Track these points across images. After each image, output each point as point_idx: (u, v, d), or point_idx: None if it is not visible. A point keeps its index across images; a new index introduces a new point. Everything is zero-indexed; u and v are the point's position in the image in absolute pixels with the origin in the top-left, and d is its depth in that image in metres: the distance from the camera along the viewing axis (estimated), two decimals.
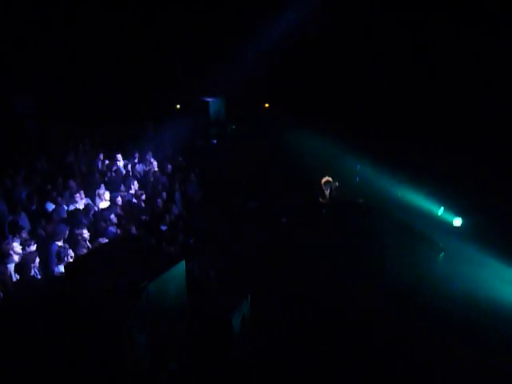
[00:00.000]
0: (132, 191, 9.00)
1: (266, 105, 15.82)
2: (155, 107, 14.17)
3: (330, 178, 9.74)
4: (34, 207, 7.68)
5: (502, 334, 6.20)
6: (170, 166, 10.89)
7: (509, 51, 9.90)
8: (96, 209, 8.03)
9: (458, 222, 9.03)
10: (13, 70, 12.24)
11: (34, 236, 6.70)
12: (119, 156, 10.70)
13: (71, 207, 7.81)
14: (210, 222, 8.51)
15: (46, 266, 6.02)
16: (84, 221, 7.23)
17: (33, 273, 5.49)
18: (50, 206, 7.80)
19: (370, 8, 12.38)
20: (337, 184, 9.83)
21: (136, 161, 11.05)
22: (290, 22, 13.65)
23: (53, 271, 5.91)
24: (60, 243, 6.32)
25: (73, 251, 6.29)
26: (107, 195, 8.56)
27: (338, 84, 13.04)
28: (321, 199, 9.80)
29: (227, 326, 5.13)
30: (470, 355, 5.78)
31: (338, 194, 9.89)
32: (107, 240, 6.58)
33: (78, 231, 6.67)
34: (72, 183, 8.61)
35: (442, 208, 9.44)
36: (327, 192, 9.74)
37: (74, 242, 6.55)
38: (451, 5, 10.91)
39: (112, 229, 7.25)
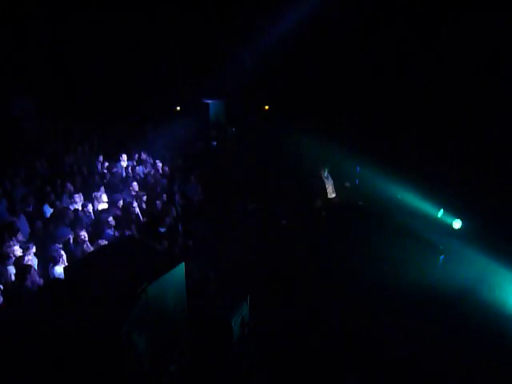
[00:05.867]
0: (132, 193, 8.99)
1: (266, 107, 15.83)
2: (155, 109, 14.18)
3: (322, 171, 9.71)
4: (31, 209, 7.66)
5: (502, 336, 6.20)
6: (169, 168, 10.90)
7: (508, 51, 9.92)
8: (91, 211, 8.01)
9: (457, 224, 9.02)
10: (12, 70, 12.24)
11: (32, 238, 6.70)
12: (124, 156, 10.73)
13: (71, 209, 7.80)
14: (210, 224, 8.50)
15: (45, 269, 6.01)
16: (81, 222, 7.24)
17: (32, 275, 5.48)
18: (48, 208, 7.80)
19: (370, 8, 12.40)
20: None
21: (135, 163, 11.07)
22: (290, 23, 13.67)
23: (52, 273, 5.90)
24: (60, 245, 6.32)
25: (71, 253, 6.30)
26: (104, 197, 8.55)
27: (338, 86, 13.06)
28: (320, 202, 9.80)
29: (227, 328, 5.12)
30: (469, 356, 5.78)
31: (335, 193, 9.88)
32: (106, 242, 6.57)
33: (77, 233, 6.68)
34: (70, 185, 8.62)
35: (442, 210, 9.44)
36: (330, 187, 9.67)
37: (73, 243, 6.56)
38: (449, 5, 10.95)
39: (110, 231, 7.24)
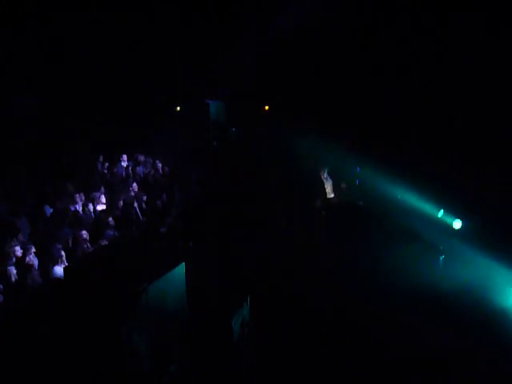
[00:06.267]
0: (132, 193, 9.00)
1: (266, 107, 15.83)
2: (155, 109, 14.17)
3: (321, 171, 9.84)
4: (32, 209, 7.66)
5: (502, 335, 6.20)
6: (169, 168, 10.92)
7: (508, 52, 9.91)
8: (91, 210, 8.01)
9: (457, 224, 9.02)
10: (12, 70, 12.22)
11: (32, 238, 6.70)
12: (124, 157, 10.72)
13: (72, 209, 7.80)
14: (210, 225, 8.50)
15: (45, 269, 6.01)
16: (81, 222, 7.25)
17: (33, 275, 5.49)
18: (48, 208, 7.79)
19: (371, 8, 12.39)
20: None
21: (135, 163, 11.07)
22: (290, 23, 13.67)
23: (52, 273, 5.90)
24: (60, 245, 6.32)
25: (71, 253, 6.30)
26: (104, 198, 8.54)
27: (338, 86, 13.06)
28: (319, 202, 9.81)
29: (227, 328, 5.12)
30: (470, 356, 5.78)
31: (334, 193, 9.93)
32: (106, 242, 6.58)
33: (77, 233, 6.68)
34: (70, 185, 8.62)
35: (442, 210, 9.43)
36: (329, 187, 9.72)
37: (73, 243, 6.56)
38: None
39: (110, 231, 7.24)
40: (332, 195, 10.05)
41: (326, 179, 9.89)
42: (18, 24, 12.29)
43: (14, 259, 5.74)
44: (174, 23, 14.42)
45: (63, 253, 6.12)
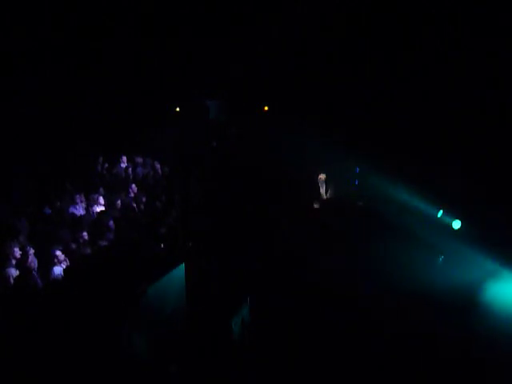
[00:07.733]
0: (131, 194, 9.00)
1: (266, 107, 15.83)
2: (155, 109, 14.18)
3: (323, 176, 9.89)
4: (32, 210, 7.66)
5: (502, 336, 6.21)
6: (169, 169, 10.92)
7: (507, 53, 9.92)
8: (91, 212, 8.01)
9: (457, 224, 9.03)
10: (13, 69, 12.21)
11: (32, 239, 6.71)
12: (124, 158, 10.72)
13: (71, 210, 7.81)
14: (210, 225, 8.51)
15: (45, 270, 6.01)
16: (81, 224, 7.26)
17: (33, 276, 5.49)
18: (48, 209, 7.80)
19: (373, 9, 12.38)
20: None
21: (134, 164, 11.07)
22: (291, 23, 13.65)
23: (53, 274, 5.91)
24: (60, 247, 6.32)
25: (72, 254, 6.31)
26: (103, 199, 8.53)
27: (339, 86, 13.06)
28: (318, 203, 9.84)
29: (227, 329, 5.13)
30: (469, 356, 5.80)
31: (333, 193, 9.99)
32: (106, 243, 6.59)
33: (77, 234, 6.69)
34: (70, 186, 8.63)
35: (441, 211, 9.44)
36: (323, 190, 9.81)
37: (72, 244, 6.57)
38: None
39: (109, 233, 7.24)
40: (330, 196, 10.08)
41: (324, 181, 9.92)
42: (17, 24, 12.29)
43: (13, 261, 5.74)
44: (173, 23, 14.42)
45: (63, 254, 6.13)
